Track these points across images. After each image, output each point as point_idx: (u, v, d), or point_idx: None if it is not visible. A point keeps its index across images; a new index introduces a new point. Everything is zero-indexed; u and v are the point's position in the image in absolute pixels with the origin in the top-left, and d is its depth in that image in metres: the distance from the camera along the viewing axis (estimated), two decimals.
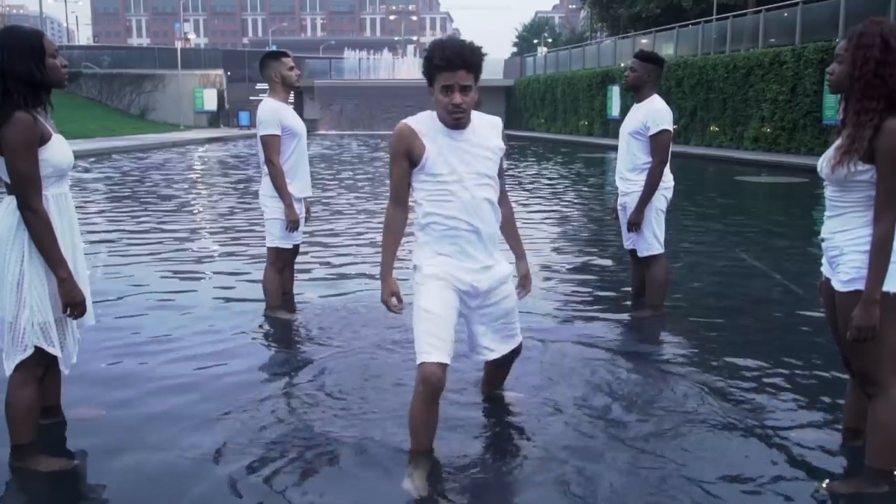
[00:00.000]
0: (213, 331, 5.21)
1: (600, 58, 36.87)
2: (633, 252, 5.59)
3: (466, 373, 4.17)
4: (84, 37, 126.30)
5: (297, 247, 5.66)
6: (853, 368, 3.11)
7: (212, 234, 9.62)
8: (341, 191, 14.56)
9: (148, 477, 3.20)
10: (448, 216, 3.17)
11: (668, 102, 5.44)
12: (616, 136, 5.63)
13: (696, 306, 6.05)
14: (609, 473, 3.22)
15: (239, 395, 4.03)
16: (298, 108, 40.43)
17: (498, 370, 3.78)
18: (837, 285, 2.98)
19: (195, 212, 11.95)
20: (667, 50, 30.42)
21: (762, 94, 22.57)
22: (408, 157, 3.16)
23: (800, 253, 8.38)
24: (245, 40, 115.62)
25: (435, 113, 3.17)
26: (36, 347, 3.11)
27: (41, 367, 3.20)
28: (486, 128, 3.24)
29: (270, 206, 5.34)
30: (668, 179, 5.36)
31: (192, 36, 60.14)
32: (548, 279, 6.90)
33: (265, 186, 5.37)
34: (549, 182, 16.41)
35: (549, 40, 73.98)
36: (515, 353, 3.62)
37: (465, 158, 3.16)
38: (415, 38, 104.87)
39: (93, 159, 21.89)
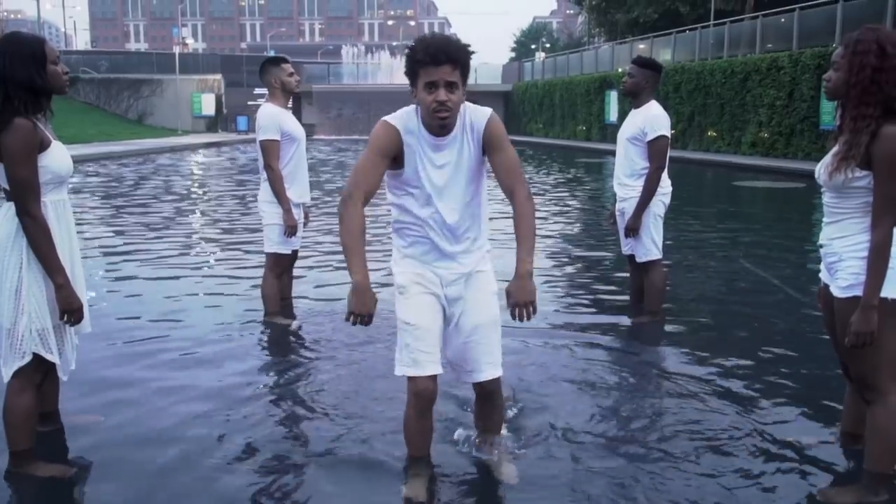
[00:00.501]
0: (211, 337, 5.20)
1: (598, 63, 36.92)
2: (631, 257, 5.59)
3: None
4: (82, 41, 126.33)
5: (295, 252, 5.66)
6: (852, 374, 3.12)
7: (209, 239, 9.61)
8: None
9: (146, 483, 3.19)
10: (419, 220, 2.97)
11: (665, 108, 5.46)
12: (614, 140, 5.65)
13: (695, 312, 6.06)
14: (607, 477, 3.22)
15: (238, 402, 4.03)
16: (296, 112, 40.41)
17: (484, 404, 3.29)
18: (836, 291, 2.98)
19: (192, 217, 11.94)
20: (664, 55, 30.47)
21: (759, 99, 22.62)
22: (392, 159, 2.92)
23: (798, 258, 8.39)
24: (243, 45, 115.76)
25: (416, 110, 2.92)
26: (34, 354, 3.11)
27: (40, 373, 3.19)
28: (467, 135, 2.95)
29: (269, 211, 5.34)
30: (665, 185, 5.38)
31: (190, 41, 60.25)
32: (546, 282, 6.90)
33: (264, 192, 5.37)
34: (547, 187, 16.42)
35: (548, 45, 74.11)
36: (493, 392, 3.19)
37: (447, 167, 2.93)
38: (412, 43, 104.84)
39: (91, 166, 21.87)
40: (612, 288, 6.78)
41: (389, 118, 2.95)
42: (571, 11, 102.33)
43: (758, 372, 4.54)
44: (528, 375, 4.37)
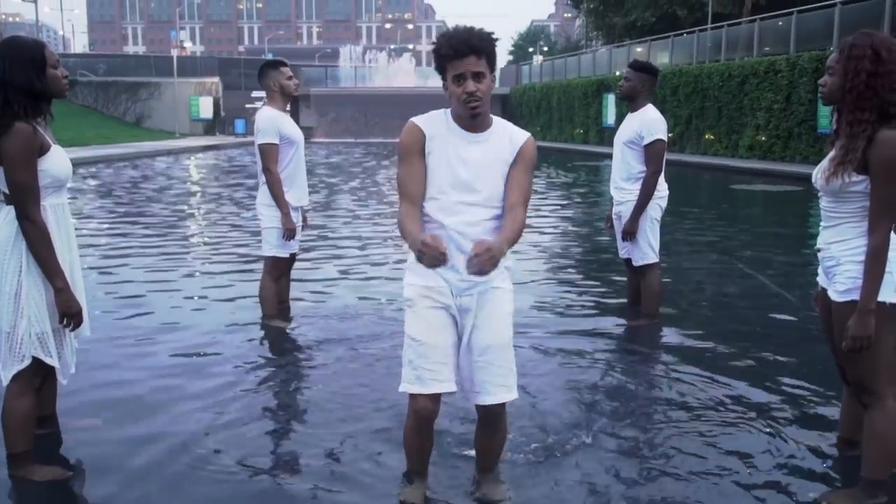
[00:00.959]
0: (209, 340, 5.20)
1: (596, 66, 36.96)
2: (628, 261, 5.60)
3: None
4: (80, 45, 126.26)
5: (293, 255, 5.66)
6: (849, 378, 3.12)
7: (207, 242, 9.61)
8: (339, 196, 14.57)
9: (143, 486, 3.19)
10: (439, 219, 2.88)
11: (663, 111, 5.47)
12: (611, 144, 5.66)
13: (692, 314, 6.06)
14: (605, 480, 3.23)
15: (235, 404, 4.03)
16: (294, 115, 40.44)
17: (485, 427, 3.12)
18: (834, 295, 2.98)
19: (190, 220, 11.94)
20: (662, 58, 30.52)
21: (757, 102, 22.65)
22: (422, 155, 2.88)
23: (795, 261, 8.40)
24: (241, 48, 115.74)
25: (448, 111, 2.93)
26: (34, 358, 3.11)
27: (39, 377, 3.19)
28: (506, 142, 2.94)
29: (267, 214, 5.34)
30: (662, 188, 5.39)
31: (188, 44, 60.31)
32: (542, 285, 6.92)
33: (262, 195, 5.38)
34: (544, 190, 16.43)
35: (545, 49, 74.24)
36: (496, 417, 3.04)
37: (475, 166, 2.88)
38: (410, 46, 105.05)
39: (93, 169, 21.86)
40: (609, 291, 6.78)
41: (415, 118, 2.94)
42: (569, 15, 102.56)
43: (754, 376, 4.54)
44: (522, 380, 4.36)
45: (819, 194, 3.06)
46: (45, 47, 3.11)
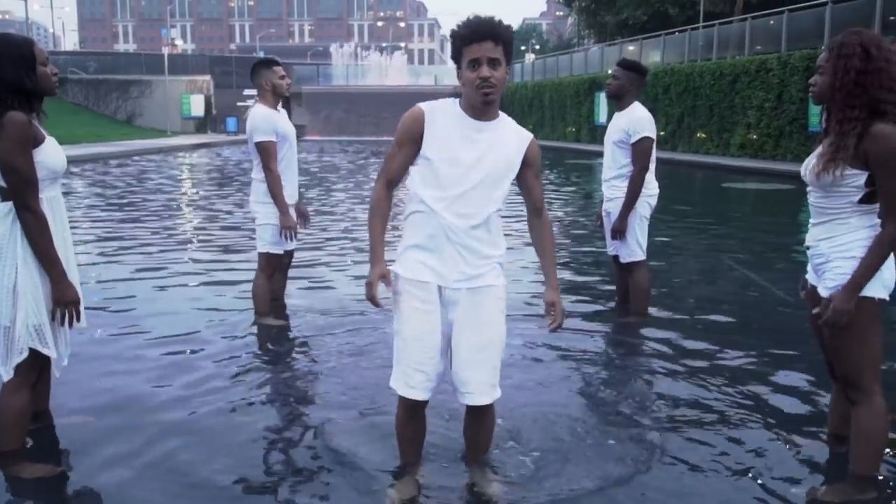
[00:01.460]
0: (201, 338, 5.20)
1: (588, 64, 37.01)
2: (615, 257, 5.63)
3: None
4: (70, 42, 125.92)
5: (290, 253, 5.65)
6: (837, 374, 3.13)
7: (200, 240, 9.58)
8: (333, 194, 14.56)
9: (133, 485, 3.18)
10: (433, 206, 2.84)
11: (654, 109, 5.51)
12: (603, 142, 5.68)
13: (681, 312, 6.07)
14: (595, 475, 3.24)
15: (224, 403, 4.03)
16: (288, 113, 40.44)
17: (473, 421, 3.14)
18: (824, 291, 3.00)
19: (182, 218, 11.91)
20: (654, 57, 30.58)
21: (748, 101, 22.72)
22: (416, 143, 2.87)
23: (786, 258, 8.43)
24: (232, 46, 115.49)
25: (457, 101, 2.89)
26: (30, 351, 3.10)
27: (35, 372, 3.19)
28: (513, 135, 2.92)
29: (262, 211, 5.34)
30: (652, 186, 5.41)
31: (179, 42, 60.15)
32: (532, 283, 6.92)
33: (256, 192, 5.37)
34: None
35: (537, 47, 74.31)
36: (484, 411, 3.06)
37: (477, 152, 2.83)
38: (402, 44, 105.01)
39: (81, 167, 21.78)
40: (600, 289, 6.79)
41: (422, 103, 2.91)
42: (561, 13, 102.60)
43: (743, 373, 4.56)
44: (511, 378, 4.37)
45: (808, 189, 3.07)
46: (34, 44, 3.10)
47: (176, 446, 3.51)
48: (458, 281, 2.88)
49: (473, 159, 2.83)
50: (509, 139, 2.90)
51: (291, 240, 5.38)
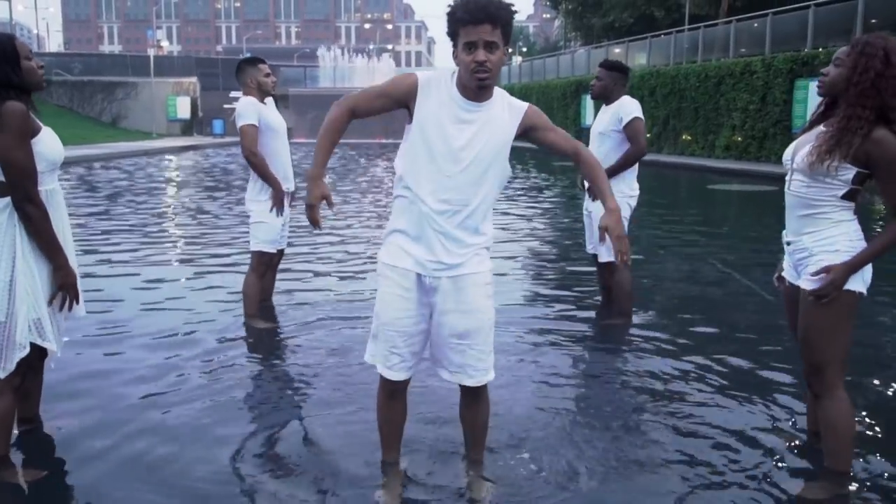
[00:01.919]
0: (191, 339, 5.18)
1: (574, 67, 37.14)
2: (595, 257, 5.68)
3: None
4: (55, 44, 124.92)
5: (281, 251, 5.67)
6: (804, 364, 3.15)
7: (188, 241, 9.56)
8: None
9: (110, 484, 3.19)
10: (417, 191, 2.80)
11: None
12: (590, 144, 5.71)
13: (666, 313, 6.12)
14: (584, 474, 3.27)
15: (214, 406, 4.03)
16: None
17: (470, 401, 3.14)
18: (806, 285, 3.03)
19: (169, 219, 11.87)
20: (639, 59, 30.73)
21: (733, 103, 22.87)
22: (396, 103, 2.84)
23: (770, 259, 8.49)
24: (219, 48, 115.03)
25: (455, 75, 2.80)
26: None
27: (19, 375, 3.16)
28: (505, 112, 2.84)
29: (256, 209, 5.35)
30: (634, 188, 5.46)
31: (165, 43, 59.85)
32: (516, 284, 6.96)
33: (251, 190, 5.39)
34: (523, 190, 16.48)
35: (524, 49, 74.36)
36: (477, 391, 3.07)
37: (468, 133, 2.77)
38: (389, 46, 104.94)
39: (70, 169, 21.64)
40: (584, 291, 6.82)
41: (421, 73, 2.86)
42: (548, 15, 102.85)
43: (727, 372, 4.61)
44: (498, 379, 4.39)
45: (790, 178, 3.09)
46: (14, 39, 3.07)
47: (154, 444, 3.52)
48: (437, 270, 2.84)
49: (464, 141, 2.76)
50: (500, 117, 2.83)
51: (280, 214, 5.36)
